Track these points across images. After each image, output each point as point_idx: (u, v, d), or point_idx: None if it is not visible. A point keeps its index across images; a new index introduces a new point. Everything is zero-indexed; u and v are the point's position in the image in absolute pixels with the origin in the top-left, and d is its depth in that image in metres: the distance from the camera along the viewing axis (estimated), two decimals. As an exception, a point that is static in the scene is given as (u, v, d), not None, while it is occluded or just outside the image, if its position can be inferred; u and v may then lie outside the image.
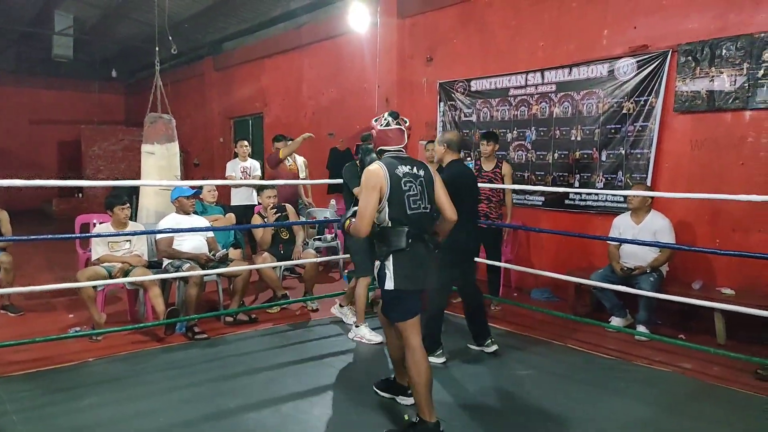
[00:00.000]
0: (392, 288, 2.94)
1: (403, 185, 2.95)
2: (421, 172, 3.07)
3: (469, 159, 6.65)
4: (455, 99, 6.98)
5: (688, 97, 4.97)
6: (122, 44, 12.78)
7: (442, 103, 7.19)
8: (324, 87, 9.20)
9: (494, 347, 4.23)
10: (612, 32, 5.49)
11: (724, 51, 4.74)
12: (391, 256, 2.93)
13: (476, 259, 5.19)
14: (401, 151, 3.14)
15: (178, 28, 9.75)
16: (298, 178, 6.80)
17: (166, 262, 4.96)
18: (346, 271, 6.31)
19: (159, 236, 4.93)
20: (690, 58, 4.93)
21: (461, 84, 6.89)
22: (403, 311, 2.99)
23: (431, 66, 7.33)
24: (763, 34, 4.53)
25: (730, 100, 4.73)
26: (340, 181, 4.88)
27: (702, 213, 4.96)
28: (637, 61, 5.26)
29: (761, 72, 4.56)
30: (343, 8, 7.90)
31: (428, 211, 3.05)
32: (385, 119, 3.16)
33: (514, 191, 6.13)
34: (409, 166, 3.03)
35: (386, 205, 2.93)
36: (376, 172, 2.94)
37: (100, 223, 5.36)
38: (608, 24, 5.52)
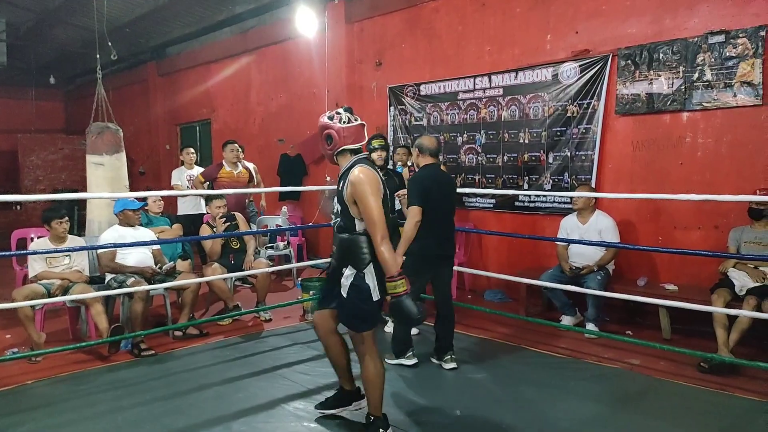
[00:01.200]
0: (378, 299, 2.82)
1: (383, 189, 2.81)
2: (381, 175, 2.92)
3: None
4: (405, 103, 7.00)
5: (628, 100, 5.13)
6: (60, 50, 12.25)
7: (392, 108, 7.19)
8: (273, 92, 9.07)
9: (452, 364, 4.07)
10: (555, 37, 5.62)
11: (661, 55, 4.91)
12: (371, 264, 2.79)
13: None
14: (361, 150, 2.93)
15: (118, 33, 9.43)
16: (247, 185, 6.63)
17: (109, 277, 4.77)
18: (299, 279, 6.22)
19: (101, 250, 4.74)
20: (629, 61, 5.09)
21: (411, 88, 6.91)
22: (374, 320, 2.91)
23: (380, 70, 7.33)
24: (696, 38, 4.72)
25: (668, 102, 4.90)
26: (291, 188, 4.85)
27: (645, 212, 5.12)
28: (580, 65, 5.40)
29: (696, 75, 4.74)
30: (290, 13, 7.80)
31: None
32: (343, 115, 2.88)
33: (466, 194, 6.20)
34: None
35: None
36: (373, 175, 2.76)
37: (38, 237, 5.11)
38: (551, 29, 5.64)
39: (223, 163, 6.54)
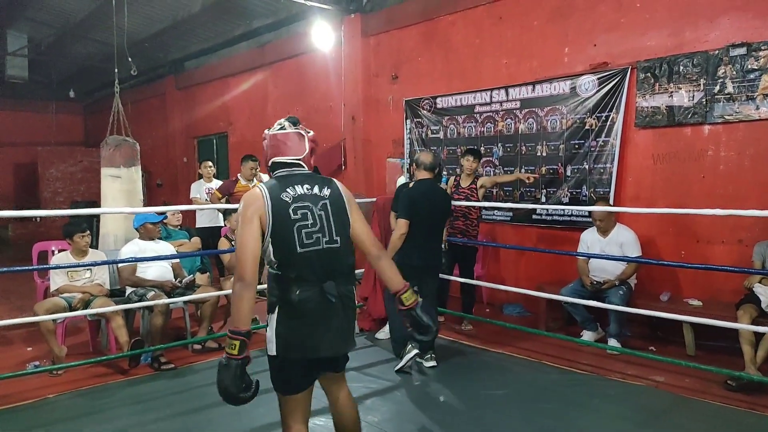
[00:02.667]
0: (274, 354, 2.27)
1: (291, 213, 2.21)
2: (326, 192, 2.33)
3: (446, 174, 6.61)
4: (422, 116, 7.00)
5: (648, 113, 5.08)
6: (80, 64, 12.46)
7: (408, 121, 7.20)
8: (289, 105, 9.12)
9: (432, 363, 4.34)
10: (573, 50, 5.60)
11: (681, 67, 4.87)
12: (277, 309, 2.25)
13: (447, 276, 5.23)
14: (299, 165, 2.38)
15: (137, 48, 9.56)
16: None
17: (129, 290, 4.80)
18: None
19: (121, 264, 4.77)
20: (649, 74, 5.05)
21: (427, 101, 6.92)
22: (284, 383, 2.34)
23: (397, 84, 7.35)
24: (717, 51, 4.67)
25: (689, 115, 4.85)
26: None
27: (666, 226, 5.06)
28: (598, 78, 5.37)
29: (717, 87, 4.69)
30: (306, 27, 7.87)
31: (337, 245, 2.28)
32: (279, 124, 2.42)
33: (484, 208, 6.16)
34: (307, 186, 2.30)
35: (269, 243, 2.22)
36: (255, 196, 2.23)
37: (59, 250, 5.16)
38: (569, 42, 5.62)
39: (239, 177, 6.59)
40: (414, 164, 4.37)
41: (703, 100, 4.77)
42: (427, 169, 4.33)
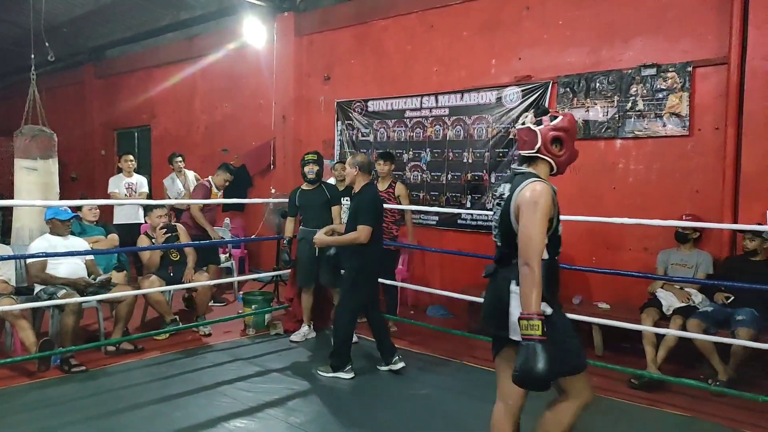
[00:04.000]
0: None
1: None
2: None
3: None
4: (353, 118, 7.04)
5: (567, 125, 5.35)
6: (-11, 46, 11.63)
7: (339, 122, 7.22)
8: (218, 101, 8.92)
9: (401, 364, 4.32)
10: (499, 62, 5.81)
11: (597, 84, 5.17)
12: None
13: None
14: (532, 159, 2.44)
15: (55, 32, 9.03)
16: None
17: (38, 288, 4.53)
18: (241, 293, 6.10)
19: (30, 260, 4.50)
20: (568, 89, 5.33)
21: (358, 104, 6.97)
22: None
23: (329, 85, 7.34)
24: (630, 70, 5.00)
25: (603, 129, 5.16)
26: (236, 201, 4.89)
27: (580, 233, 5.34)
28: (522, 90, 5.60)
29: (629, 104, 5.02)
30: (237, 22, 7.71)
31: None
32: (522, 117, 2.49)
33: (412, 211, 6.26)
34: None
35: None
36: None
37: (-40, 245, 4.80)
38: (495, 54, 5.83)
39: (212, 183, 6.35)
40: (357, 167, 4.21)
41: (616, 115, 5.09)
42: (369, 173, 4.33)
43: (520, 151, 2.46)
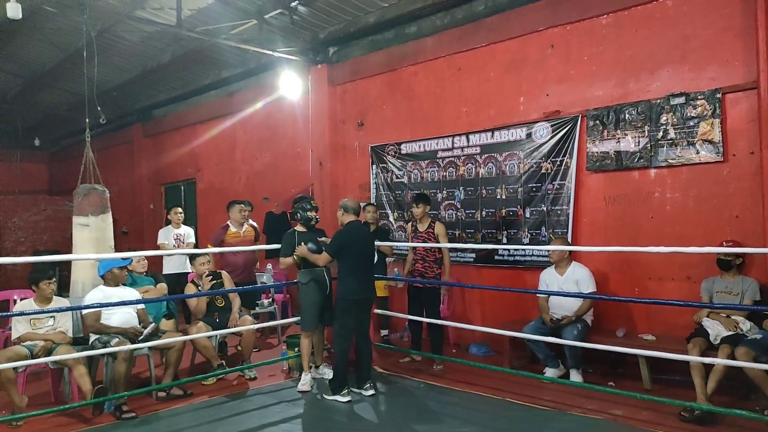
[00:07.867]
0: None
1: None
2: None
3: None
4: (387, 161, 7.22)
5: (598, 157, 5.39)
6: (46, 112, 12.43)
7: (374, 166, 7.42)
8: (258, 152, 9.29)
9: (371, 391, 4.72)
10: (527, 99, 5.93)
11: (626, 115, 5.21)
12: None
13: (418, 318, 5.42)
14: None
15: (106, 96, 9.64)
16: (254, 243, 6.72)
17: (93, 337, 4.76)
18: (284, 336, 6.23)
19: (85, 311, 4.74)
20: (598, 121, 5.38)
21: (392, 147, 7.16)
22: None
23: (362, 130, 7.59)
24: (659, 100, 5.03)
25: (636, 159, 5.16)
26: (278, 246, 5.09)
27: (620, 264, 5.29)
28: (551, 125, 5.68)
29: (660, 133, 5.02)
30: (274, 76, 8.11)
31: None
32: None
33: (451, 249, 6.32)
34: None
35: None
36: None
37: (21, 299, 5.10)
38: (523, 92, 5.96)
39: (229, 224, 6.59)
40: (342, 209, 4.89)
41: (648, 145, 5.09)
42: (354, 213, 4.91)
43: None
